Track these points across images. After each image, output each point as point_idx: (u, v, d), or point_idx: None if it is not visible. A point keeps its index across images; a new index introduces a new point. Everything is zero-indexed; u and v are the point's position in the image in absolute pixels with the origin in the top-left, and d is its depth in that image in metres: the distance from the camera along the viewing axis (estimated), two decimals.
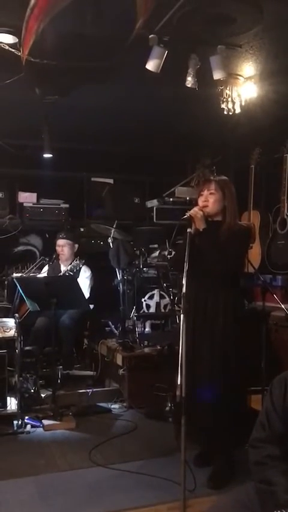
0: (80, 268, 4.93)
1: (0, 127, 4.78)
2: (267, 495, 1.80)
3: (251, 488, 1.91)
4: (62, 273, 4.92)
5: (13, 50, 3.03)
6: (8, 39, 2.99)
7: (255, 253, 4.85)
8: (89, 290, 4.91)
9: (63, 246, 5.01)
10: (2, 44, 2.99)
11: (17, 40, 2.96)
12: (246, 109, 3.94)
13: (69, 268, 4.90)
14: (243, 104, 3.87)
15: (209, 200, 3.08)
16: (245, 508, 1.85)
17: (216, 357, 3.01)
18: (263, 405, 2.05)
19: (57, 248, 5.04)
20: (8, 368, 3.90)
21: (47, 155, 5.17)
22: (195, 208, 3.04)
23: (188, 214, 3.00)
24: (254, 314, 3.95)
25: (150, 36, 2.97)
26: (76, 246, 5.11)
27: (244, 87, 3.84)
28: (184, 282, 2.67)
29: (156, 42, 2.99)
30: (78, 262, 4.93)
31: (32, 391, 4.17)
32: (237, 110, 3.88)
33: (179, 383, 2.46)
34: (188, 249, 2.78)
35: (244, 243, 3.21)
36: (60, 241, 5.03)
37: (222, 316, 3.03)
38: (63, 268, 5.01)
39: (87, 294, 4.85)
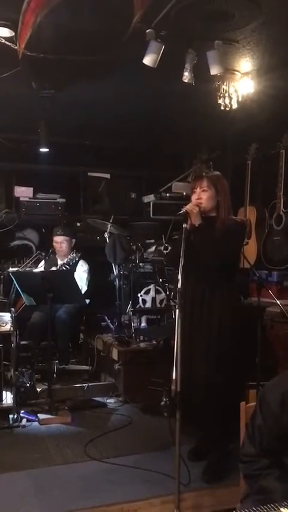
0: (77, 262, 4.92)
1: None
2: (265, 504, 1.77)
3: (250, 503, 1.84)
4: (58, 266, 4.92)
5: (9, 44, 3.02)
6: (4, 32, 2.98)
7: (251, 249, 4.85)
8: (87, 283, 4.91)
9: (61, 242, 5.01)
10: None
11: (14, 33, 2.95)
12: (243, 104, 3.95)
13: (65, 261, 4.90)
14: (240, 99, 3.88)
15: (202, 197, 3.08)
16: None
17: (212, 352, 3.03)
18: (251, 417, 1.96)
19: (55, 245, 5.04)
20: (4, 362, 3.90)
21: (43, 149, 5.16)
22: (191, 204, 3.05)
23: (184, 209, 3.00)
24: (249, 310, 3.96)
25: (147, 31, 2.97)
26: (73, 241, 5.11)
27: (241, 83, 3.84)
28: (180, 277, 2.68)
29: (153, 37, 2.98)
30: (74, 255, 4.93)
31: (28, 385, 4.17)
32: (234, 106, 3.88)
33: (174, 378, 2.47)
34: (184, 245, 2.79)
35: (238, 238, 3.21)
36: (58, 238, 5.02)
37: (219, 311, 3.04)
38: (60, 262, 5.01)
39: (85, 288, 4.86)
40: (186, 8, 2.79)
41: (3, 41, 3.02)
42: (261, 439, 1.85)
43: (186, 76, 3.22)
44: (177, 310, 2.62)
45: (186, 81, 3.26)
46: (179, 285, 2.66)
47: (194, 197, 3.11)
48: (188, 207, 3.01)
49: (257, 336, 3.53)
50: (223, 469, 2.98)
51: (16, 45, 2.96)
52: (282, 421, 1.80)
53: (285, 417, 1.79)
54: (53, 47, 3.20)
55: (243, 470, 1.92)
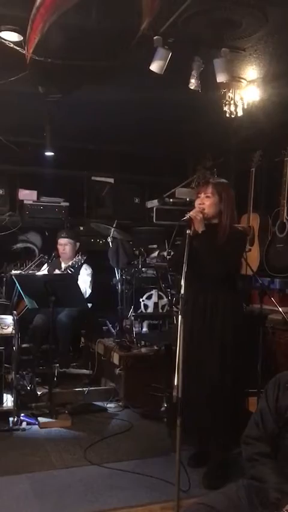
0: (82, 264, 4.94)
1: (3, 124, 4.78)
2: (257, 491, 1.83)
3: (241, 486, 1.94)
4: (63, 269, 4.93)
5: (18, 48, 3.04)
6: (13, 37, 3.00)
7: (253, 256, 4.86)
8: (91, 287, 4.91)
9: (65, 245, 5.02)
10: (7, 42, 3.00)
11: (22, 38, 2.97)
12: (249, 112, 3.96)
13: (70, 264, 4.91)
14: (245, 107, 3.89)
15: (204, 203, 3.10)
16: (233, 504, 1.88)
17: (214, 358, 3.03)
18: (258, 404, 2.09)
19: (58, 247, 5.04)
20: (5, 365, 3.91)
21: (48, 153, 5.18)
22: (195, 210, 3.06)
23: (187, 215, 3.02)
24: (251, 317, 3.96)
25: (154, 38, 2.98)
26: (78, 244, 5.11)
27: (247, 91, 3.86)
28: (182, 283, 2.69)
29: (160, 44, 3.00)
30: (80, 257, 4.94)
31: (28, 388, 4.18)
32: (240, 113, 3.89)
33: (175, 384, 2.47)
34: (187, 251, 2.80)
35: (239, 246, 3.24)
36: (62, 240, 5.03)
37: (221, 318, 3.05)
38: (63, 265, 5.02)
39: (89, 291, 4.86)
40: (193, 16, 2.81)
41: (12, 45, 3.04)
42: (263, 421, 1.97)
43: (193, 83, 3.24)
44: (179, 317, 2.62)
45: (192, 88, 3.28)
46: (182, 291, 2.67)
47: (197, 202, 3.13)
48: (192, 213, 3.03)
49: (258, 343, 3.54)
50: (223, 475, 2.97)
51: (24, 49, 2.98)
52: (278, 403, 1.94)
53: (281, 401, 1.94)
54: (61, 52, 3.22)
55: (244, 452, 2.01)
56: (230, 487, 2.00)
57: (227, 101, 3.85)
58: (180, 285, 2.71)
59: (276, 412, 1.93)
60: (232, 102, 3.88)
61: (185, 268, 2.74)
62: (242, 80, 3.78)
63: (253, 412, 2.06)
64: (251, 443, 1.96)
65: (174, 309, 4.62)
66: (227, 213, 3.10)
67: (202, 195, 3.12)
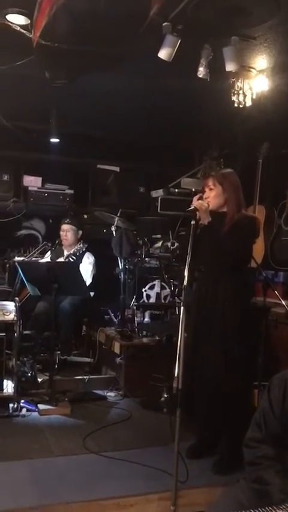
0: (84, 252, 4.93)
1: (9, 109, 4.74)
2: (261, 494, 1.80)
3: (245, 487, 1.92)
4: (65, 257, 4.92)
5: (24, 32, 2.99)
6: (20, 20, 2.95)
7: (258, 249, 4.82)
8: (92, 276, 4.90)
9: (67, 231, 5.01)
10: (13, 25, 2.95)
11: (29, 21, 2.92)
12: (257, 102, 3.90)
13: (72, 252, 4.90)
14: (254, 97, 3.83)
15: (209, 196, 3.12)
16: (242, 507, 1.85)
17: (214, 350, 3.02)
18: (259, 404, 2.04)
19: (61, 233, 5.03)
20: (6, 351, 3.91)
21: (53, 140, 5.14)
22: (201, 201, 3.04)
23: (193, 206, 3.00)
24: (254, 309, 3.94)
25: (163, 24, 2.93)
26: (80, 232, 5.10)
27: (256, 80, 3.80)
28: (186, 274, 2.68)
29: (169, 31, 2.95)
30: (81, 245, 4.93)
31: (29, 375, 4.17)
32: (248, 103, 3.84)
33: (176, 375, 2.47)
34: (191, 242, 2.78)
35: (248, 232, 3.13)
36: (65, 226, 5.02)
37: (224, 309, 3.03)
38: (66, 252, 5.01)
39: (89, 280, 4.84)
40: (203, 2, 2.76)
41: (19, 28, 3.00)
42: (266, 423, 1.92)
43: (201, 71, 3.19)
44: (181, 308, 2.61)
45: (201, 76, 3.23)
46: (185, 282, 2.66)
47: (204, 197, 3.13)
48: (197, 203, 3.01)
49: (260, 336, 3.52)
50: (235, 462, 2.91)
51: (31, 33, 2.94)
52: (285, 407, 1.88)
53: (287, 403, 1.87)
54: (68, 37, 3.17)
55: (246, 456, 1.96)
56: (235, 488, 1.98)
57: (235, 90, 3.79)
58: (184, 276, 2.70)
59: (282, 415, 1.87)
60: (241, 91, 3.82)
61: (189, 259, 2.72)
62: (252, 70, 3.72)
63: (255, 412, 2.01)
64: (254, 446, 1.91)
65: (177, 300, 4.61)
66: (232, 200, 3.09)
67: (206, 189, 3.14)
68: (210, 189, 3.11)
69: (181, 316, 2.60)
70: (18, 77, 3.81)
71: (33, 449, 3.20)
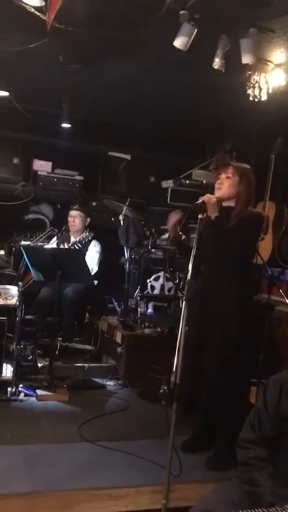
0: (89, 241, 4.91)
1: (21, 92, 4.70)
2: (252, 496, 1.79)
3: (237, 486, 1.91)
4: (70, 244, 4.90)
5: (39, 14, 2.94)
6: (34, 1, 2.90)
7: (266, 245, 4.78)
8: (98, 264, 4.88)
9: (75, 217, 4.99)
10: (27, 6, 2.90)
11: (44, 3, 2.87)
12: (273, 97, 3.83)
13: (78, 239, 4.88)
14: (270, 91, 3.76)
15: (223, 183, 3.05)
16: (233, 505, 1.85)
17: (214, 345, 3.01)
18: (255, 403, 2.03)
19: (69, 219, 5.02)
20: (8, 334, 3.91)
21: (65, 125, 5.10)
22: (209, 195, 3.00)
23: (201, 199, 2.96)
24: (258, 306, 3.91)
25: (181, 12, 2.87)
26: (88, 219, 5.07)
27: (273, 74, 3.72)
28: (190, 268, 2.65)
29: (186, 19, 2.89)
30: (87, 234, 4.91)
31: (29, 359, 4.18)
32: (264, 97, 3.77)
33: (174, 369, 2.45)
34: (197, 235, 2.75)
35: (253, 230, 3.12)
36: (73, 212, 5.00)
37: (227, 304, 3.01)
38: (72, 239, 4.99)
39: (96, 268, 4.82)
40: None
41: (33, 10, 2.94)
42: (260, 424, 1.92)
43: (217, 62, 3.12)
44: (183, 302, 2.59)
45: (216, 67, 3.17)
46: (188, 276, 2.63)
47: (216, 183, 3.08)
48: (206, 197, 2.97)
49: (263, 334, 3.50)
50: (230, 458, 2.91)
51: (45, 15, 2.89)
52: (279, 409, 1.88)
53: (282, 406, 1.87)
54: (83, 21, 3.12)
55: (239, 456, 1.96)
56: (226, 487, 1.97)
57: (251, 83, 3.72)
58: (188, 270, 2.67)
59: (276, 416, 1.86)
60: (257, 85, 3.75)
61: (193, 253, 2.70)
62: (269, 63, 3.64)
63: (250, 413, 1.99)
64: (247, 447, 1.91)
65: (180, 294, 4.58)
66: (244, 196, 3.04)
67: (222, 176, 3.08)
68: (228, 177, 3.05)
69: (182, 310, 2.58)
70: (32, 59, 3.77)
71: (28, 434, 3.21)
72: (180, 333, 2.48)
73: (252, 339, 3.24)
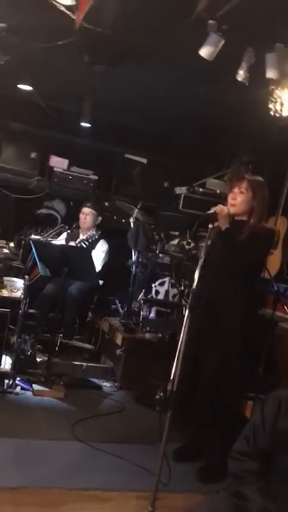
0: (97, 240, 4.93)
1: (44, 88, 4.73)
2: (241, 510, 1.78)
3: (225, 498, 1.90)
4: (78, 241, 4.92)
5: (68, 13, 2.96)
6: (66, 0, 2.91)
7: (274, 260, 4.76)
8: (102, 264, 4.89)
9: (87, 214, 5.00)
10: (58, 4, 2.92)
11: (75, 3, 2.88)
12: None
13: (85, 237, 4.89)
14: None
15: (237, 198, 3.05)
16: None
17: (214, 356, 3.00)
18: (251, 417, 2.02)
19: (80, 215, 5.03)
20: (10, 326, 3.92)
21: (85, 124, 5.11)
22: (221, 205, 3.00)
23: (213, 209, 2.96)
24: (262, 320, 3.89)
25: (209, 22, 2.86)
26: (99, 218, 5.09)
27: None
28: (196, 277, 2.64)
29: (214, 29, 2.88)
30: (95, 232, 4.92)
31: (29, 353, 4.18)
32: (285, 113, 3.75)
33: (172, 377, 2.45)
34: (206, 245, 2.76)
35: (264, 245, 3.12)
36: (85, 209, 5.02)
37: (229, 315, 3.01)
38: (81, 236, 5.01)
39: (99, 267, 4.83)
40: (254, 5, 2.69)
41: (63, 8, 2.96)
42: (255, 438, 1.91)
43: (241, 75, 3.11)
44: (186, 310, 2.58)
45: (239, 80, 3.16)
46: (194, 285, 2.63)
47: (229, 196, 3.07)
48: (218, 208, 2.97)
49: (264, 348, 3.48)
50: (221, 471, 2.89)
51: (75, 15, 2.90)
52: (276, 425, 1.87)
53: (280, 422, 1.86)
54: (112, 23, 3.13)
55: (231, 467, 1.95)
56: (214, 499, 1.96)
57: (273, 98, 3.71)
58: (194, 278, 2.67)
59: (273, 432, 1.85)
60: (279, 100, 3.74)
61: (201, 262, 2.69)
62: None
63: (246, 425, 1.99)
64: (240, 459, 1.90)
65: (183, 303, 4.57)
66: (257, 211, 3.03)
67: (236, 190, 3.06)
68: (241, 192, 3.04)
69: (185, 318, 2.58)
70: (58, 57, 3.79)
71: (21, 428, 3.22)
72: (181, 341, 2.48)
73: (253, 352, 3.23)
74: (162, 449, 2.47)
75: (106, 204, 5.75)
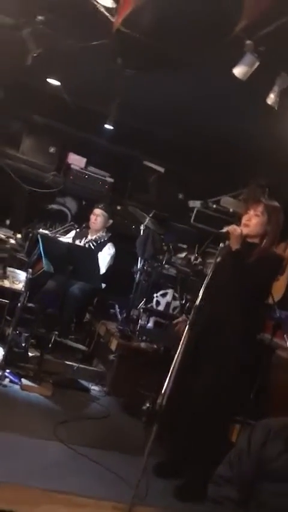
0: (105, 242, 4.92)
1: (72, 84, 4.74)
2: None
3: None
4: (86, 241, 4.90)
5: (107, 15, 2.97)
6: (106, 2, 2.92)
7: (279, 286, 4.72)
8: (107, 267, 4.87)
9: (98, 215, 5.00)
10: (98, 5, 2.93)
11: (115, 6, 2.89)
12: None
13: (94, 238, 4.88)
14: None
15: (251, 220, 3.03)
16: None
17: (210, 373, 2.97)
18: (236, 443, 1.99)
19: (91, 216, 5.03)
20: (6, 317, 3.90)
21: (108, 126, 5.12)
22: (234, 226, 2.98)
23: (226, 229, 2.94)
24: (259, 345, 3.85)
25: (247, 42, 2.86)
26: (110, 221, 5.08)
27: None
28: (200, 293, 2.62)
29: (251, 50, 2.88)
30: (104, 234, 4.91)
31: (22, 347, 4.16)
32: None
33: (163, 391, 2.42)
34: (215, 263, 2.74)
35: (272, 270, 3.10)
36: (97, 211, 5.01)
37: (227, 336, 2.97)
38: (89, 237, 5.00)
39: (103, 270, 4.81)
40: None
41: (102, 9, 2.97)
42: (240, 464, 1.87)
43: (271, 98, 3.10)
44: (186, 327, 2.56)
45: (270, 103, 3.15)
46: (197, 302, 2.60)
47: (244, 218, 3.05)
48: (231, 228, 2.95)
49: (258, 374, 3.45)
50: (201, 490, 2.85)
51: (114, 17, 2.91)
52: (263, 452, 1.84)
53: (267, 450, 1.83)
54: (149, 30, 3.13)
55: (210, 492, 1.92)
56: None
57: None
58: (198, 294, 2.65)
59: (258, 459, 1.82)
60: None
61: (207, 280, 2.67)
62: None
63: (231, 451, 1.96)
64: (220, 484, 1.88)
65: (183, 317, 4.54)
66: (271, 236, 3.01)
67: (251, 212, 3.05)
68: (257, 215, 3.02)
69: (184, 334, 2.56)
70: (90, 56, 3.80)
71: (3, 421, 3.16)
72: (177, 358, 2.45)
73: (248, 376, 3.20)
74: (145, 462, 2.44)
75: (118, 208, 5.75)
